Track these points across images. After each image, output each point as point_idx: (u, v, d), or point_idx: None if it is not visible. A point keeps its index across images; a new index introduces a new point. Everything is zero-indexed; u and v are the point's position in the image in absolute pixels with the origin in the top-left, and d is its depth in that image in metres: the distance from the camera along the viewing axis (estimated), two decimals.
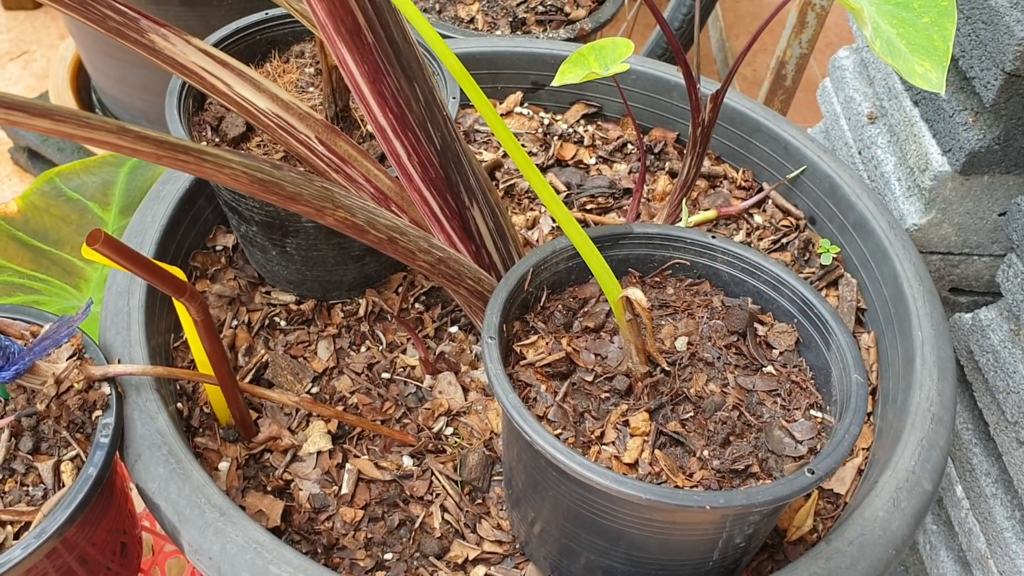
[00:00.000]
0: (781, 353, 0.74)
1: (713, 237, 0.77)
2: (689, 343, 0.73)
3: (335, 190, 0.56)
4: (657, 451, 0.67)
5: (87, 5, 0.53)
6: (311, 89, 0.88)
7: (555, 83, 0.84)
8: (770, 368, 0.72)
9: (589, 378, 0.71)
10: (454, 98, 0.85)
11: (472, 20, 1.30)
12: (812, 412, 0.70)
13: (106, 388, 0.74)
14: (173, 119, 0.80)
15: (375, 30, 0.59)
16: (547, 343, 0.72)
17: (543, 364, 0.71)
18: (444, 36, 1.25)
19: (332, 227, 0.56)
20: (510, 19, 1.29)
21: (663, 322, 0.75)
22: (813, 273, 0.97)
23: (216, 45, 0.89)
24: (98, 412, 0.73)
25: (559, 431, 0.67)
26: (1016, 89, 0.85)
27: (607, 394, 0.70)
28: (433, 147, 0.67)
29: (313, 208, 0.54)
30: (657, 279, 0.79)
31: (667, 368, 0.71)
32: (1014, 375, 0.87)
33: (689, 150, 0.93)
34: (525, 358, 0.71)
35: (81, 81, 1.90)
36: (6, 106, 0.38)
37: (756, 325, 0.75)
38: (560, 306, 0.76)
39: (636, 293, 0.65)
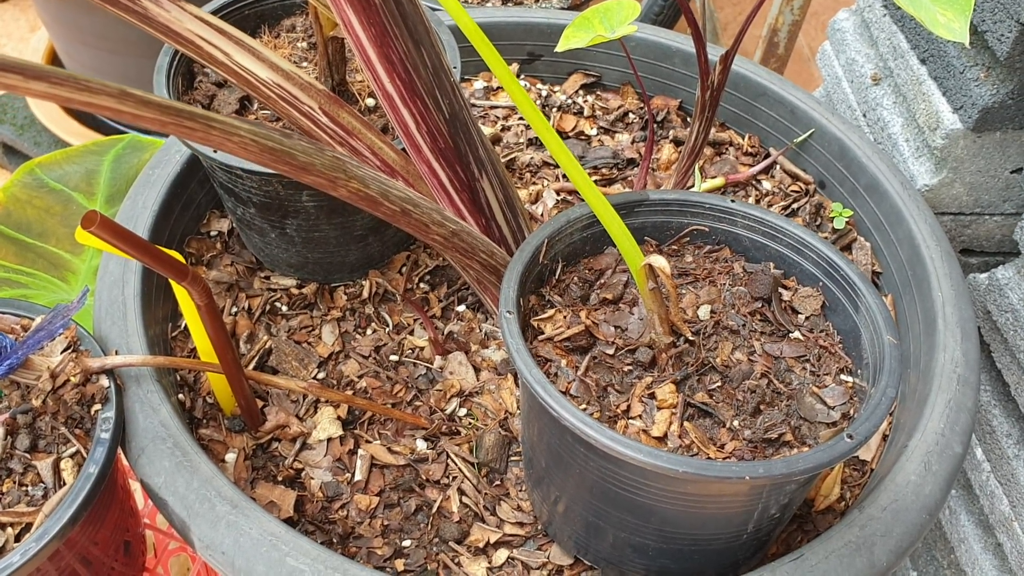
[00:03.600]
0: (807, 318, 0.71)
1: (732, 201, 0.74)
2: (712, 311, 0.71)
3: (347, 160, 0.52)
4: (686, 423, 0.64)
5: None
6: (305, 64, 0.84)
7: (559, 48, 0.81)
8: (797, 334, 0.70)
9: (610, 351, 0.68)
10: (455, 67, 0.82)
11: None
12: (843, 377, 0.68)
13: (104, 381, 0.71)
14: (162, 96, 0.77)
15: None
16: (565, 317, 0.70)
17: (562, 338, 0.68)
18: (435, 9, 1.21)
19: (345, 199, 0.52)
20: None
21: (684, 291, 0.72)
22: (826, 237, 0.95)
23: None
24: (97, 406, 0.70)
25: (583, 406, 0.64)
26: None
27: (630, 367, 0.67)
28: (442, 115, 0.64)
29: (326, 179, 0.51)
30: (675, 247, 0.76)
31: (691, 338, 0.68)
32: None
33: (697, 114, 0.90)
34: (543, 333, 0.68)
35: None
36: (1, 68, 0.34)
37: (780, 290, 0.72)
38: (576, 278, 0.73)
39: (659, 260, 0.62)
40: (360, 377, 0.82)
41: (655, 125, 1.07)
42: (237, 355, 0.70)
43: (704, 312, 0.71)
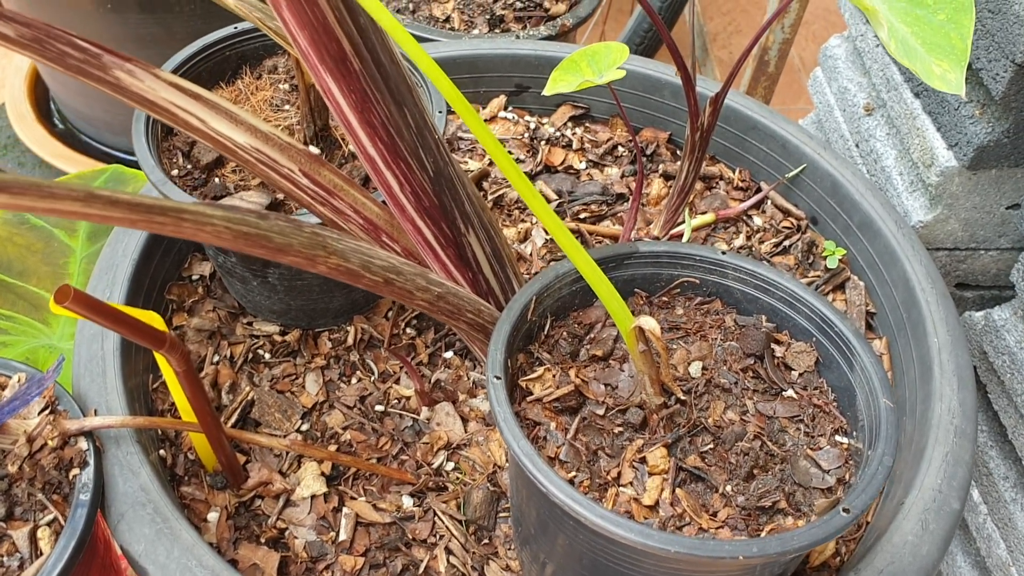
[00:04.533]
0: (801, 375, 0.70)
1: (723, 253, 0.73)
2: (704, 368, 0.69)
3: (326, 234, 0.51)
4: (678, 489, 0.63)
5: (43, 43, 0.48)
6: (287, 107, 0.83)
7: (547, 92, 0.79)
8: (790, 392, 0.68)
9: (601, 411, 0.66)
10: (440, 112, 0.81)
11: (448, 19, 1.24)
12: (838, 438, 0.66)
13: (83, 443, 0.69)
14: (141, 148, 0.75)
15: (361, 55, 0.54)
16: (554, 375, 0.68)
17: (551, 399, 0.66)
18: (420, 38, 1.20)
19: (325, 275, 0.51)
20: (487, 17, 1.24)
21: (675, 346, 0.71)
22: (818, 276, 0.93)
23: (185, 63, 0.83)
24: (75, 470, 0.68)
25: (573, 473, 0.63)
26: None
27: (621, 428, 0.66)
28: (426, 174, 0.62)
29: (304, 258, 0.49)
30: (665, 299, 0.75)
31: (683, 397, 0.67)
32: None
33: (686, 155, 0.88)
34: (532, 393, 0.67)
35: (39, 91, 1.82)
36: None
37: (773, 346, 0.71)
38: (565, 333, 0.71)
39: (650, 323, 0.61)
40: (345, 429, 0.80)
41: (645, 158, 1.05)
42: (216, 416, 0.69)
43: (695, 369, 0.69)
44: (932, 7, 0.67)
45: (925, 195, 0.96)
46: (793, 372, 0.70)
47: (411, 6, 1.25)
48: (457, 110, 0.50)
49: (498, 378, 0.62)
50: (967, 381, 0.79)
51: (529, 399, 0.66)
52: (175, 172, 0.79)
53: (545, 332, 0.71)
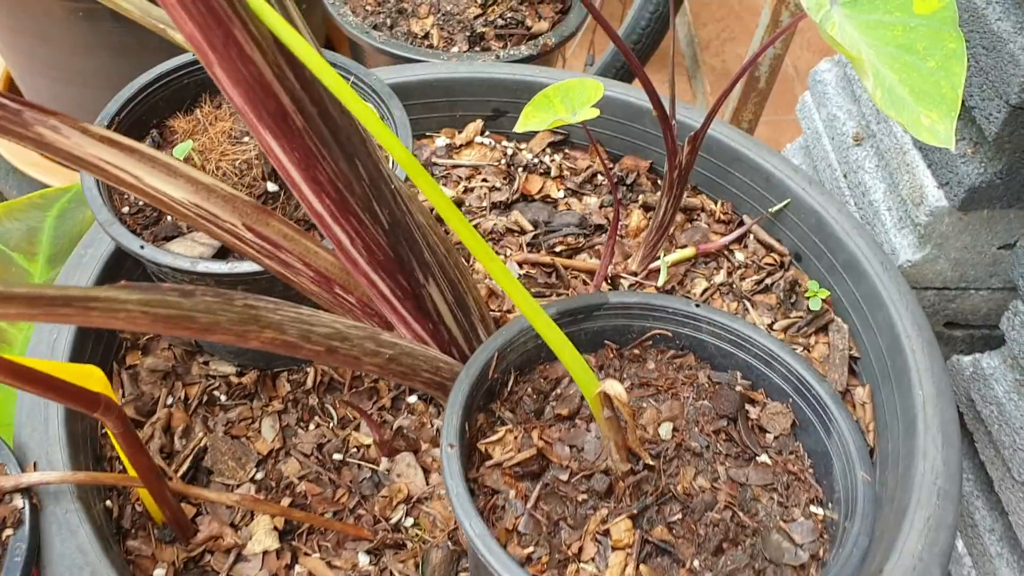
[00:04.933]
0: (776, 438, 0.66)
1: (697, 306, 0.69)
2: (674, 430, 0.66)
3: (260, 306, 0.47)
4: (642, 565, 0.59)
5: None
6: (246, 139, 0.79)
7: (518, 129, 0.76)
8: (764, 457, 0.65)
9: (564, 477, 0.63)
10: (407, 144, 0.77)
11: (427, 36, 1.20)
12: (812, 508, 0.63)
13: (19, 501, 0.66)
14: (89, 186, 0.71)
15: (305, 111, 0.50)
16: (516, 437, 0.64)
17: (512, 464, 0.63)
18: (396, 56, 1.16)
19: (259, 349, 0.47)
20: (467, 34, 1.20)
21: (645, 404, 0.67)
22: (801, 317, 0.90)
23: (142, 91, 0.80)
24: (8, 531, 0.64)
25: (531, 548, 0.59)
26: (1022, 122, 0.78)
27: (585, 496, 0.62)
28: (380, 227, 0.59)
29: (233, 335, 0.45)
30: (636, 351, 0.71)
31: (651, 463, 0.63)
32: (1021, 431, 0.81)
33: (665, 192, 0.85)
34: (491, 458, 0.63)
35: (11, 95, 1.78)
36: None
37: (747, 407, 0.67)
38: (530, 389, 0.68)
39: (615, 388, 0.57)
40: (301, 479, 0.77)
41: (624, 188, 1.02)
42: (159, 473, 0.65)
43: (665, 431, 0.66)
44: (922, 53, 0.63)
45: (914, 233, 0.92)
46: (768, 435, 0.66)
47: (388, 21, 1.21)
48: (397, 159, 0.47)
49: (452, 447, 0.58)
50: (952, 438, 0.75)
51: (488, 464, 0.63)
52: (126, 209, 0.75)
53: (508, 388, 0.67)
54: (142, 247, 0.69)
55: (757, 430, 0.66)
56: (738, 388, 0.68)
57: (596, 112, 0.74)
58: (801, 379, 0.65)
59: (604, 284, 0.91)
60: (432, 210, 0.95)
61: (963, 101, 0.83)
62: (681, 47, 2.10)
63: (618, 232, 0.98)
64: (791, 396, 0.66)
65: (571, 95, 0.77)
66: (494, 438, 0.64)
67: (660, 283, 0.86)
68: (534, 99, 0.77)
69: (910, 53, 0.63)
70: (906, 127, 0.61)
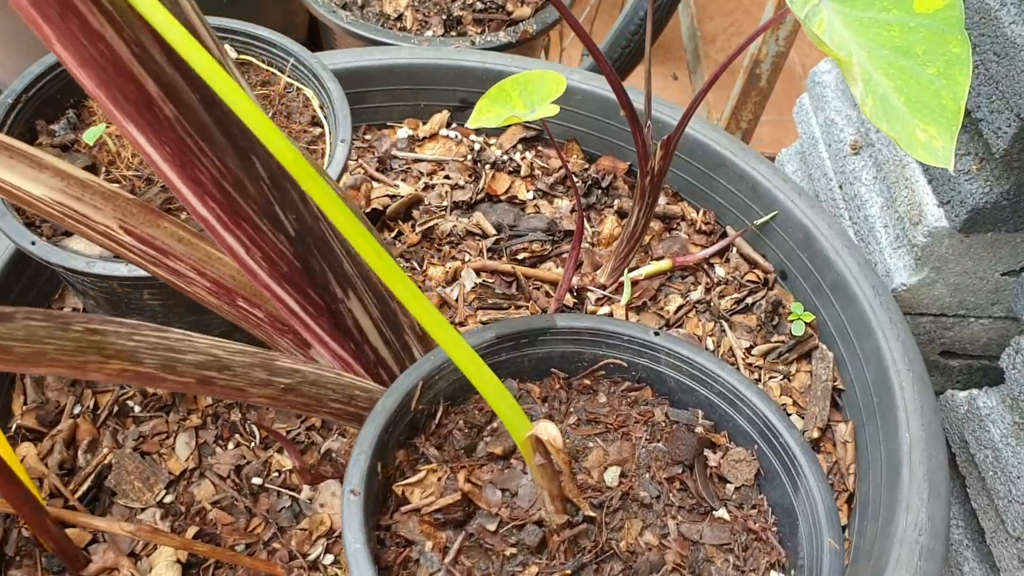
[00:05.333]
0: (737, 489, 0.58)
1: (656, 334, 0.61)
2: (622, 475, 0.58)
3: (108, 331, 0.39)
4: None
5: None
6: None
7: (470, 124, 0.68)
8: (722, 511, 0.57)
9: (492, 526, 0.55)
10: (343, 140, 0.69)
11: (400, 18, 1.12)
12: (773, 574, 0.55)
13: None
14: None
15: (178, 98, 0.42)
16: (440, 478, 0.57)
17: (433, 510, 0.55)
18: (364, 38, 1.07)
19: (106, 382, 0.39)
20: (444, 17, 1.11)
21: (591, 444, 0.59)
22: (782, 342, 0.82)
23: (36, 80, 0.71)
24: None
25: None
26: None
27: (514, 550, 0.54)
28: (284, 235, 0.51)
29: (67, 367, 0.38)
30: (587, 381, 0.63)
31: (591, 514, 0.55)
32: (1018, 480, 0.73)
33: (636, 200, 0.77)
34: (409, 502, 0.55)
35: None
36: None
37: (707, 452, 0.59)
38: (462, 422, 0.60)
39: (549, 431, 0.49)
40: (214, 505, 0.69)
41: (599, 191, 0.93)
42: (37, 501, 0.57)
43: (612, 476, 0.58)
44: (921, 58, 0.55)
45: (910, 254, 0.84)
46: (728, 486, 0.58)
47: (359, 1, 1.13)
48: (272, 147, 0.39)
49: (355, 493, 0.50)
50: (939, 489, 0.67)
51: (405, 509, 0.55)
52: None
53: (436, 421, 0.59)
54: (33, 243, 0.61)
55: (716, 479, 0.58)
56: (698, 429, 0.60)
57: (556, 109, 0.66)
58: (768, 423, 0.57)
59: (569, 297, 0.83)
60: (376, 211, 0.87)
61: (969, 112, 0.75)
62: (683, 39, 2.01)
63: (589, 240, 0.90)
64: (756, 442, 0.58)
65: (530, 89, 0.68)
66: (413, 479, 0.56)
67: (624, 301, 0.78)
68: (490, 91, 0.69)
69: (908, 57, 0.55)
70: (898, 142, 0.52)
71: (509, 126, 0.97)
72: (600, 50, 1.54)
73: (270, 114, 0.73)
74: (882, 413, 0.73)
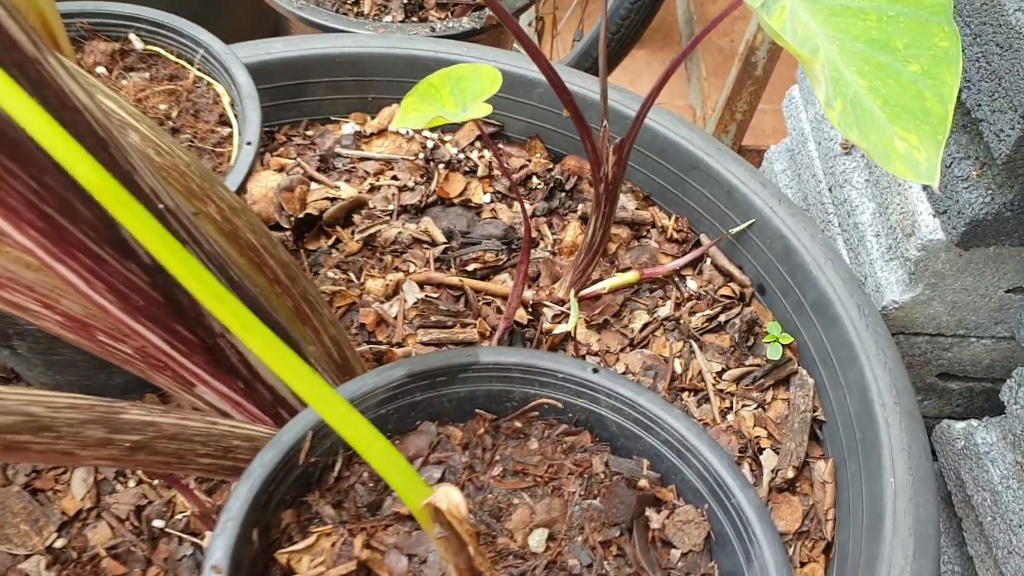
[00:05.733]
0: (684, 556, 0.50)
1: (595, 371, 0.53)
2: (550, 539, 0.50)
3: None
4: None
5: None
6: None
7: (394, 126, 0.60)
8: None
9: None
10: (249, 143, 0.61)
11: (357, 2, 1.04)
12: None
13: None
14: None
15: None
16: (334, 543, 0.49)
17: None
18: (318, 24, 0.99)
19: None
20: (404, 1, 1.03)
21: (516, 500, 0.51)
22: (758, 365, 0.73)
23: None
24: None
25: None
26: None
27: None
28: (137, 263, 0.43)
29: None
30: (518, 424, 0.55)
31: None
32: (1019, 530, 0.64)
33: (594, 209, 0.68)
34: (295, 573, 0.48)
35: None
36: None
37: (649, 512, 0.51)
38: (366, 474, 0.52)
39: (450, 499, 0.41)
40: (109, 551, 0.61)
41: (563, 194, 0.85)
42: None
43: (538, 540, 0.50)
44: (902, 53, 0.47)
45: (903, 268, 0.75)
46: (674, 551, 0.50)
47: None
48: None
49: (218, 571, 0.42)
50: (927, 545, 0.59)
51: None
52: None
53: (336, 474, 0.51)
54: None
55: (660, 544, 0.50)
56: (642, 483, 0.51)
57: (488, 108, 0.58)
58: (720, 481, 0.49)
59: (523, 314, 0.75)
60: (311, 216, 0.79)
61: (969, 112, 0.66)
62: (679, 23, 1.91)
63: (550, 249, 0.81)
64: (707, 500, 0.50)
65: (463, 85, 0.60)
66: (301, 545, 0.48)
67: (570, 326, 0.70)
68: (417, 87, 0.60)
69: (886, 52, 0.46)
70: (871, 154, 0.44)
71: (467, 121, 0.89)
72: (599, 27, 1.45)
73: (175, 112, 0.65)
74: (865, 451, 0.65)
